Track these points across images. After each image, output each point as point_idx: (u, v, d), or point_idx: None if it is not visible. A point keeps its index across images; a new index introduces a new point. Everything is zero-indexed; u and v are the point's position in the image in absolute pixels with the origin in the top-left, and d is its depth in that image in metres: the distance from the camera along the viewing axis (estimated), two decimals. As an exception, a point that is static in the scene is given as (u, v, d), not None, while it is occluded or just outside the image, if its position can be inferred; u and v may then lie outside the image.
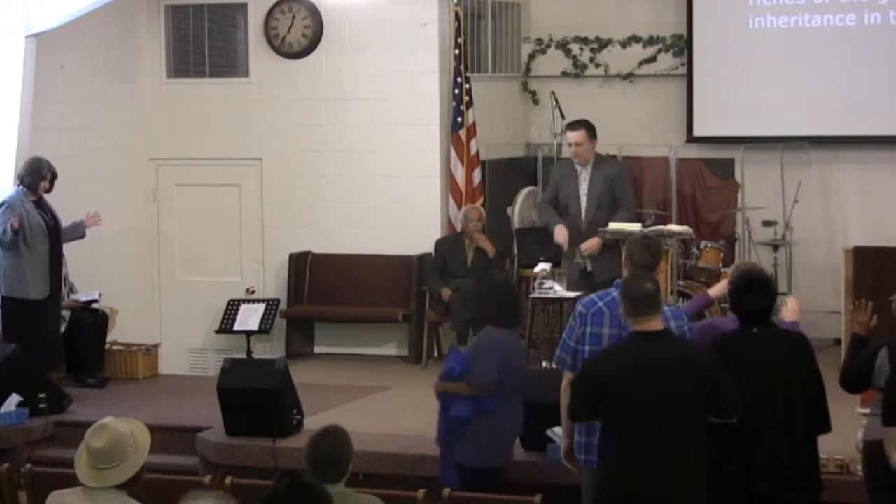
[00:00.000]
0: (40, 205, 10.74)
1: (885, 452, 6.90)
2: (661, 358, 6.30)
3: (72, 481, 5.75)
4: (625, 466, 6.34)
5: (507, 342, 7.99)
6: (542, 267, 11.07)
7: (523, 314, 8.22)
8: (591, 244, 10.66)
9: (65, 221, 10.91)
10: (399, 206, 12.54)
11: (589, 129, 10.85)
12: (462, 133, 12.40)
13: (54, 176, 10.76)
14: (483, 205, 12.43)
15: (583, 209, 10.85)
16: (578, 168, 10.86)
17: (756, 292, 6.69)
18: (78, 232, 11.09)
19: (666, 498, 6.29)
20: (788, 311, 7.35)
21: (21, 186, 10.69)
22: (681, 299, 11.33)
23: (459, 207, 12.30)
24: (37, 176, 10.67)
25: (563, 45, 13.74)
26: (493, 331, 7.95)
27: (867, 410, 7.53)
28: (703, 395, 6.31)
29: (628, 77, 13.57)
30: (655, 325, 6.42)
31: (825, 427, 6.75)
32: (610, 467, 6.44)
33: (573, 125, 11.00)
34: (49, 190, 10.78)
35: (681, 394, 6.28)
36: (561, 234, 10.72)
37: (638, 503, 6.31)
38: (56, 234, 10.76)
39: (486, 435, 7.83)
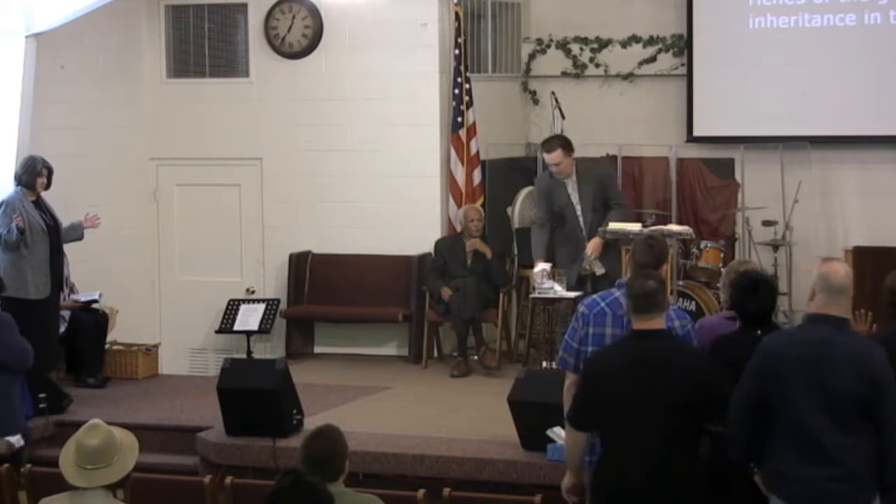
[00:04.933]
0: (39, 205, 10.72)
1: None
2: (656, 357, 6.26)
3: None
4: (616, 466, 6.33)
5: None
6: (542, 267, 11.09)
7: None
8: (594, 246, 10.82)
9: (64, 222, 10.89)
10: (399, 206, 12.54)
11: (564, 146, 11.02)
12: (462, 133, 12.39)
13: (50, 171, 10.72)
14: (483, 205, 12.43)
15: (579, 216, 11.03)
16: (562, 177, 11.01)
17: (760, 294, 6.69)
18: (76, 233, 11.07)
19: (656, 499, 6.25)
20: None
21: (19, 186, 10.68)
22: (681, 299, 11.35)
23: (459, 207, 12.28)
24: (32, 173, 10.65)
25: (563, 45, 13.74)
26: None
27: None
28: (696, 397, 6.24)
29: (628, 77, 13.57)
30: (656, 323, 6.41)
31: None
32: (604, 466, 6.44)
33: (547, 146, 11.10)
34: (47, 186, 10.75)
35: (672, 394, 6.22)
36: (537, 266, 10.93)
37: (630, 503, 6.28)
38: (56, 234, 10.74)
39: None
